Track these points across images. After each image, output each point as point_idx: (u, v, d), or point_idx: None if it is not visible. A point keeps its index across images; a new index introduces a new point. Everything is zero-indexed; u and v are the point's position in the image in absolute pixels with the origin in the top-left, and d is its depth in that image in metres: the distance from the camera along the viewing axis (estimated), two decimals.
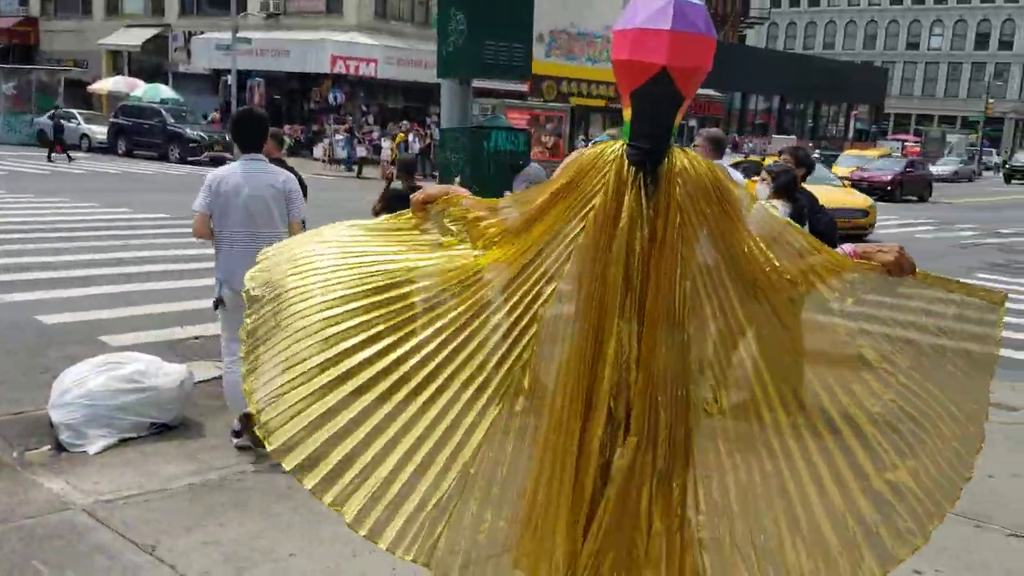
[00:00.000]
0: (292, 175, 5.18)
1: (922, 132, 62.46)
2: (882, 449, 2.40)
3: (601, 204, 2.37)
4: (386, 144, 26.87)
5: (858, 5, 75.67)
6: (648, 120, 2.39)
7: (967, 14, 71.98)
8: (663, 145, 2.39)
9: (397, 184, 7.34)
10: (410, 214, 2.73)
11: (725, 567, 2.39)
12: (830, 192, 17.10)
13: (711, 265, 2.37)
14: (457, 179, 6.09)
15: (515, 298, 2.43)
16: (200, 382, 5.68)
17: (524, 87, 30.03)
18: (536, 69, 26.73)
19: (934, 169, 44.25)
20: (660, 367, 2.33)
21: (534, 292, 2.41)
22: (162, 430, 5.05)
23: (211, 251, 5.05)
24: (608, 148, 2.44)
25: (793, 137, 38.48)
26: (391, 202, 7.11)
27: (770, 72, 47.64)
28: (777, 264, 2.34)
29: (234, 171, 4.88)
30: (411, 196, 2.73)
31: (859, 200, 17.56)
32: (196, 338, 7.42)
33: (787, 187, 5.56)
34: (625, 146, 2.41)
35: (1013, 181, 44.23)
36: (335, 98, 29.23)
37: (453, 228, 2.64)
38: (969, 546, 4.14)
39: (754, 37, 60.13)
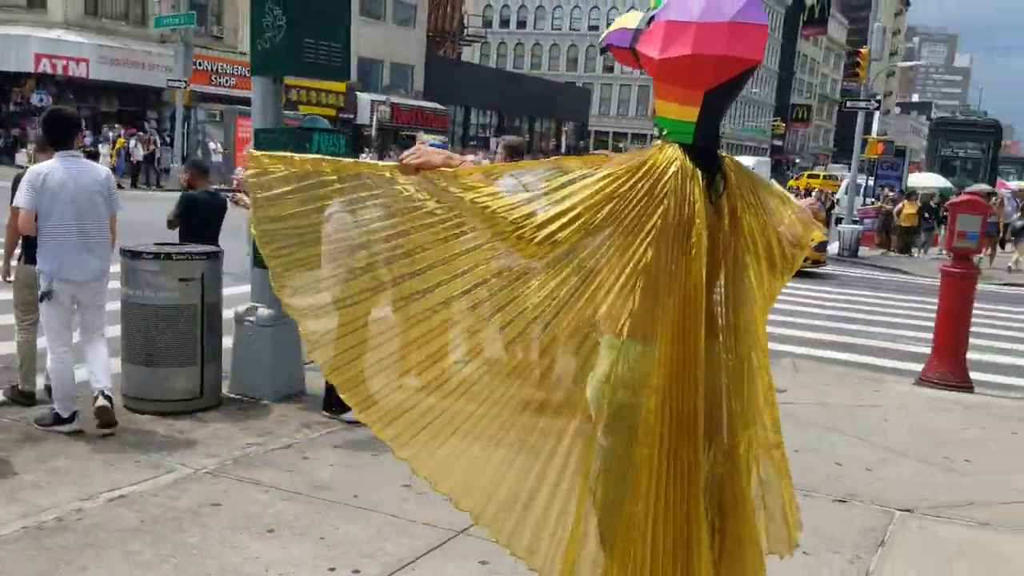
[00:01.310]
0: (110, 172, 5.47)
1: (621, 148, 67.77)
2: None
3: (666, 214, 2.17)
4: (104, 150, 24.70)
5: (560, 30, 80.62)
6: (714, 119, 2.25)
7: None
8: (719, 144, 2.32)
9: (196, 191, 6.83)
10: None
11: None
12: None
13: (758, 257, 2.37)
14: None
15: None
16: None
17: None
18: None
19: None
20: (744, 374, 2.33)
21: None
22: None
23: None
24: (660, 154, 2.22)
25: None
26: (187, 208, 6.61)
27: (489, 89, 49.52)
28: (791, 232, 2.48)
29: (57, 168, 4.97)
30: (403, 158, 2.38)
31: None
32: None
33: None
34: (682, 148, 2.22)
35: None
36: (40, 100, 26.36)
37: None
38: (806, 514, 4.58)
39: (468, 55, 62.07)
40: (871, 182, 33.30)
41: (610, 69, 79.52)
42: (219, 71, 32.46)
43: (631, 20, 2.31)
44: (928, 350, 8.18)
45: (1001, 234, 22.26)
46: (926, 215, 23.19)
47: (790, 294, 14.14)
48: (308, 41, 5.69)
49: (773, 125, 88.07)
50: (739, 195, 2.29)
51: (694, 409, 2.18)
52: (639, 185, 2.18)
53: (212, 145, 27.85)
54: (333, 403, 5.79)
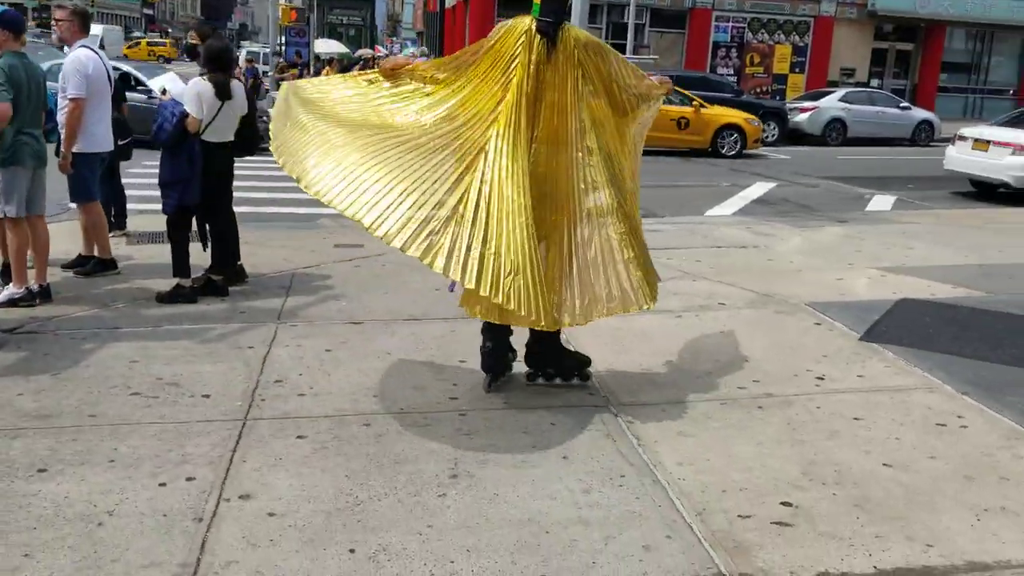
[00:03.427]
0: None
1: None
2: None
3: (522, 58, 3.88)
4: None
5: None
6: (551, 5, 3.85)
7: None
8: (561, 19, 3.93)
9: None
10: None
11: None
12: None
13: (597, 96, 4.04)
14: None
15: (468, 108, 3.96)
16: None
17: None
18: None
19: None
20: (574, 170, 3.99)
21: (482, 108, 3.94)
22: None
23: None
24: (520, 22, 3.91)
25: None
26: None
27: None
28: (634, 88, 4.14)
29: None
30: (382, 65, 4.25)
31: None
32: None
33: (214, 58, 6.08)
34: (534, 21, 3.89)
35: None
36: None
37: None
38: None
39: None
40: (282, 48, 34.28)
41: None
42: None
43: None
44: None
45: None
46: None
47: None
48: None
49: None
50: (576, 51, 3.91)
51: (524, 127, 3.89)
52: (509, 31, 3.93)
53: None
54: None
